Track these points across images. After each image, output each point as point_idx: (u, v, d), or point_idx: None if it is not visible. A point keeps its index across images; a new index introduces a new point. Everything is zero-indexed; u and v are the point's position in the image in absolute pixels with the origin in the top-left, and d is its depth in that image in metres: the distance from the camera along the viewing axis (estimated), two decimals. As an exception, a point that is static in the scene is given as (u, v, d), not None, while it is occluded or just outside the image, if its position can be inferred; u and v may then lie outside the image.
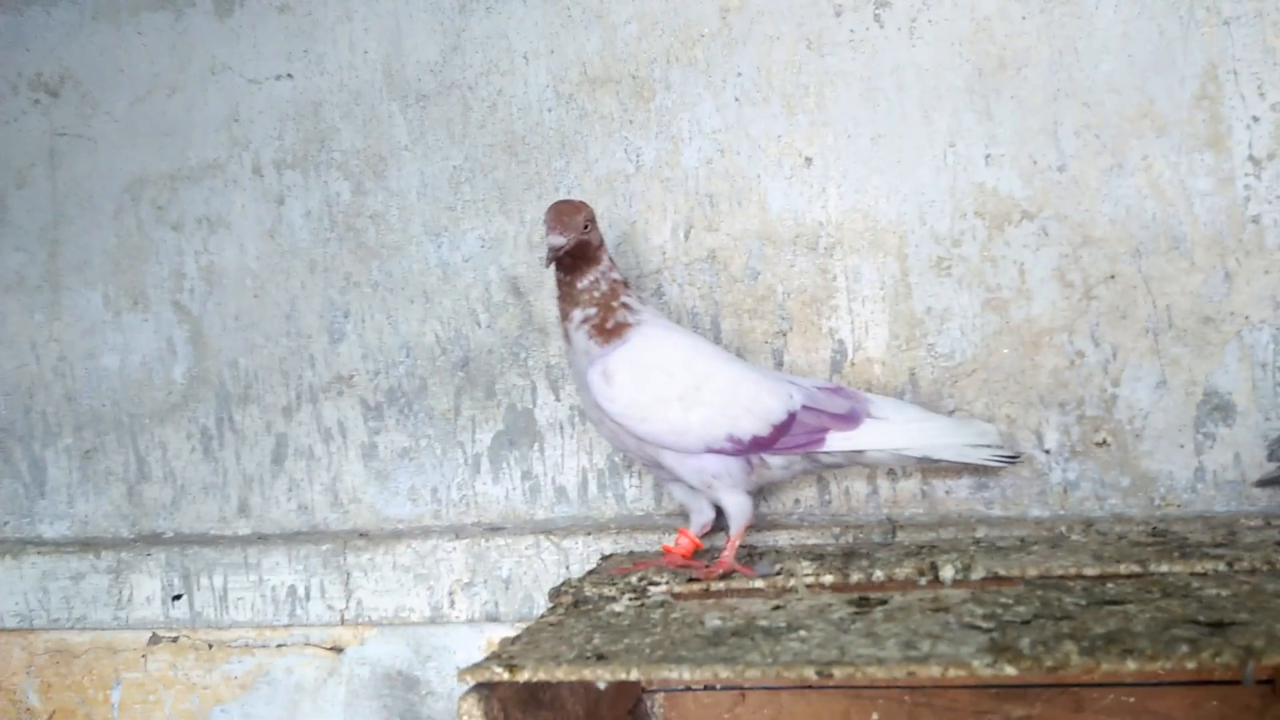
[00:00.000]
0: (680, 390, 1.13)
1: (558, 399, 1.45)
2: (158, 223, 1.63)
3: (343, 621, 1.46)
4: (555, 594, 1.12)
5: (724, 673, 0.80)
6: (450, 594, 1.42)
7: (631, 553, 1.33)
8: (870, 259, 1.33)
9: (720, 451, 1.13)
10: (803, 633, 0.87)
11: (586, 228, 1.14)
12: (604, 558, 1.32)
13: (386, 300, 1.52)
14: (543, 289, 1.46)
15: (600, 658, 0.84)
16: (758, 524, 1.31)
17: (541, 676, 0.84)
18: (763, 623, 0.92)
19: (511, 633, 1.37)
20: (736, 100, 1.37)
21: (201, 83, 1.61)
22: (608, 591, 1.08)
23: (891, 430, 1.13)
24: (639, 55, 1.40)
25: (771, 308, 1.36)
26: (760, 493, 1.32)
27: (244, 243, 1.58)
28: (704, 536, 1.23)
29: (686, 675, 0.81)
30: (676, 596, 1.06)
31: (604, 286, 1.16)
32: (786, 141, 1.35)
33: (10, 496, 1.66)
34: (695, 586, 1.09)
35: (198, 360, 1.60)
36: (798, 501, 1.35)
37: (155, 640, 1.55)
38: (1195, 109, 1.21)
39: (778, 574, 1.09)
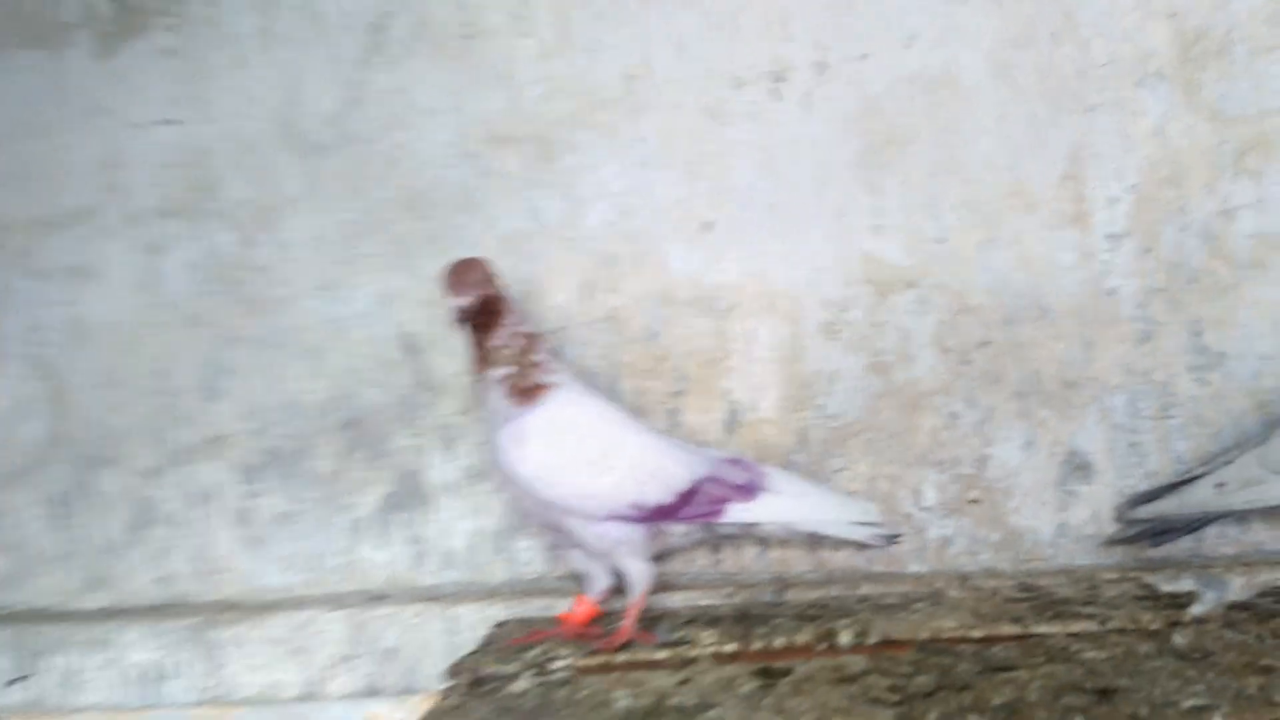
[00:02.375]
0: (591, 455, 1.12)
1: (449, 460, 1.40)
2: (20, 271, 1.51)
3: (208, 701, 1.35)
4: (452, 672, 1.06)
5: (642, 761, 0.77)
6: (327, 668, 1.33)
7: (525, 620, 1.28)
8: (765, 322, 1.35)
9: (624, 518, 1.11)
10: (714, 712, 0.86)
11: (488, 282, 1.13)
12: (497, 625, 1.27)
13: (271, 357, 1.44)
14: (437, 346, 1.41)
15: (513, 748, 0.80)
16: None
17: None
18: (673, 701, 0.90)
19: (393, 705, 1.31)
20: (641, 164, 1.39)
21: (77, 126, 1.52)
22: (508, 669, 1.04)
23: (785, 505, 1.16)
24: (545, 116, 1.41)
25: (669, 368, 1.37)
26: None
27: (116, 294, 1.48)
28: (601, 603, 1.20)
29: (603, 766, 0.78)
30: (580, 671, 1.02)
31: (518, 342, 1.15)
32: (688, 206, 1.38)
33: None
34: (597, 660, 1.05)
35: (56, 419, 1.48)
36: (691, 561, 1.33)
37: (-8, 728, 1.39)
38: (1062, 188, 1.31)
39: (677, 642, 1.07)
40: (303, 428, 1.43)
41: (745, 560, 1.32)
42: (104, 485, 1.46)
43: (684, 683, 0.96)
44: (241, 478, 1.43)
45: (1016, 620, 1.04)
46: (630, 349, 1.37)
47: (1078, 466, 1.29)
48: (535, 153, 1.41)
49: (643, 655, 1.06)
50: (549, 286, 1.40)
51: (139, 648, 1.37)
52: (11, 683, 1.38)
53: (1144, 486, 1.26)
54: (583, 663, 1.05)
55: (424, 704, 1.27)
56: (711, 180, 1.37)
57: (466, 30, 1.43)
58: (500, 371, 1.13)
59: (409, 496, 1.40)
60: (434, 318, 1.41)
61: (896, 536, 1.25)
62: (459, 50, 1.43)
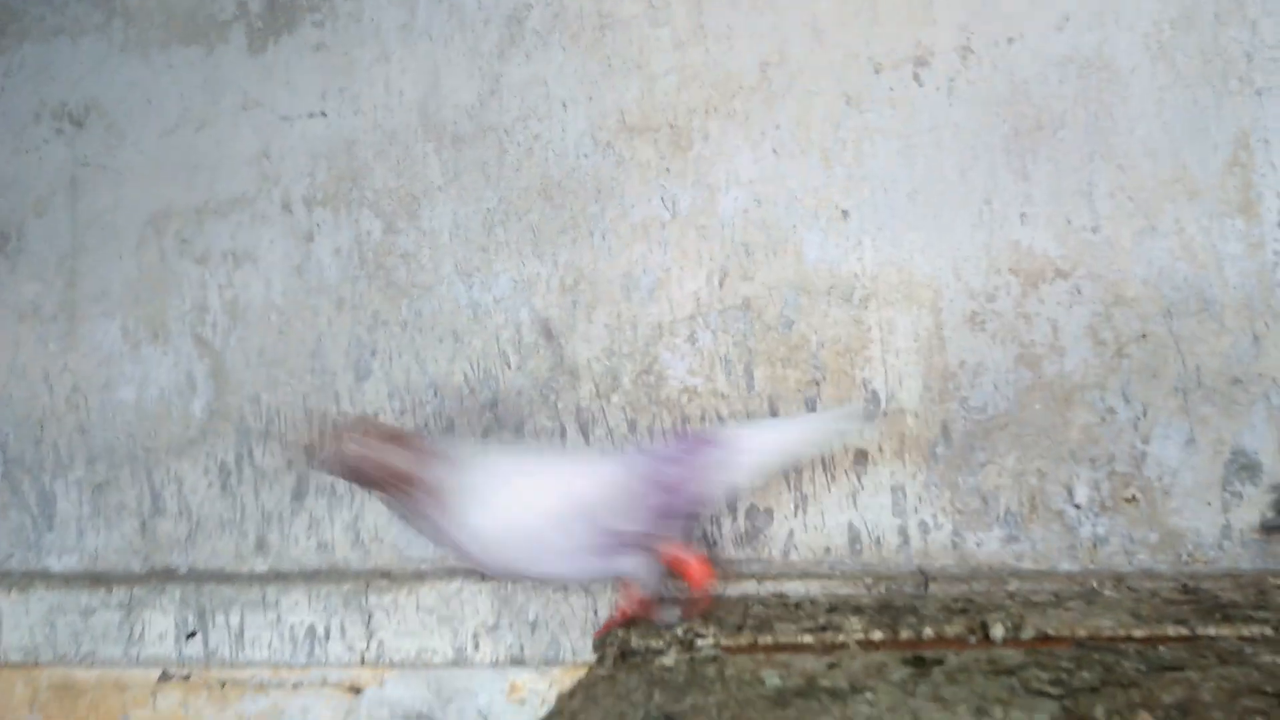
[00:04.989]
0: (522, 522, 1.10)
1: (587, 441, 1.44)
2: (181, 255, 1.62)
3: (363, 662, 1.44)
4: (600, 645, 1.11)
5: (792, 736, 0.80)
6: (474, 636, 1.40)
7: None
8: (905, 312, 1.34)
9: (585, 567, 1.11)
10: (868, 695, 0.86)
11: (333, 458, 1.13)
12: (635, 604, 1.31)
13: (415, 339, 1.51)
14: (575, 332, 1.46)
15: (667, 718, 0.84)
16: (788, 572, 1.32)
17: (608, 739, 0.83)
18: (824, 683, 0.91)
19: (536, 675, 1.37)
20: (775, 152, 1.39)
21: (232, 118, 1.61)
22: (654, 643, 1.08)
23: (748, 452, 1.14)
24: (678, 106, 1.42)
25: (805, 357, 1.37)
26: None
27: (270, 278, 1.57)
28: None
29: (754, 738, 0.81)
30: (726, 650, 1.06)
31: (383, 474, 1.14)
32: (824, 194, 1.37)
33: (17, 529, 1.62)
34: (743, 639, 1.08)
35: (218, 395, 1.58)
36: (828, 550, 1.35)
37: (166, 678, 1.51)
38: (1227, 175, 1.25)
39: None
40: (446, 407, 1.49)
41: (886, 551, 1.33)
42: (265, 458, 1.56)
43: (833, 666, 0.97)
44: (389, 455, 1.51)
45: (1180, 622, 1.02)
46: (765, 337, 1.38)
47: (1243, 466, 1.25)
48: (669, 141, 1.42)
49: (788, 639, 1.08)
50: (683, 273, 1.42)
51: (301, 610, 1.47)
52: (189, 636, 1.50)
53: (1312, 487, 1.22)
54: (728, 642, 1.08)
55: (567, 675, 1.35)
56: (848, 168, 1.36)
57: (602, 21, 1.45)
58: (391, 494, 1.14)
59: (548, 477, 1.45)
60: (570, 303, 1.46)
61: (869, 407, 1.23)
62: (594, 41, 1.45)
